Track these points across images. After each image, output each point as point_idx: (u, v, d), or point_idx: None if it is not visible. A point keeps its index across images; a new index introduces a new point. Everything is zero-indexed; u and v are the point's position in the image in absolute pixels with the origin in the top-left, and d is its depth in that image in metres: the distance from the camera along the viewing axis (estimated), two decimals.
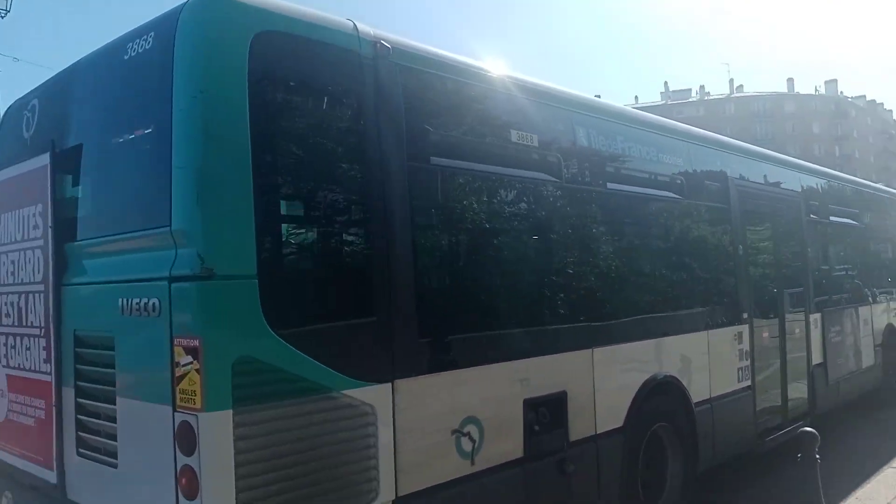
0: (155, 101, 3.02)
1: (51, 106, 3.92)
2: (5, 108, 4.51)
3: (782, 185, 7.59)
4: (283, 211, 3.14)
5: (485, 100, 4.17)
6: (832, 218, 8.66)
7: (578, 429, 4.33)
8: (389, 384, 3.27)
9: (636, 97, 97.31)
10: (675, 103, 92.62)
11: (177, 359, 2.74)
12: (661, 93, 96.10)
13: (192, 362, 2.68)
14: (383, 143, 3.36)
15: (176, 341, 2.76)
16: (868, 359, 9.01)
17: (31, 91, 4.16)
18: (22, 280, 3.81)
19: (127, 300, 3.00)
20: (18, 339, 3.84)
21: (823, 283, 8.13)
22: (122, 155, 3.41)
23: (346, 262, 3.35)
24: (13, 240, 3.88)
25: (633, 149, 5.32)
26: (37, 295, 3.65)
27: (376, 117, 3.37)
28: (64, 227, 3.54)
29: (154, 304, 2.86)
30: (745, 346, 6.22)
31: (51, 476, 3.49)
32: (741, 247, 6.41)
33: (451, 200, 3.88)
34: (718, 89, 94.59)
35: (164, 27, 3.04)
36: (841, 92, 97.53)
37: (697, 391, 5.46)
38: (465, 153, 3.91)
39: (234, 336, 2.80)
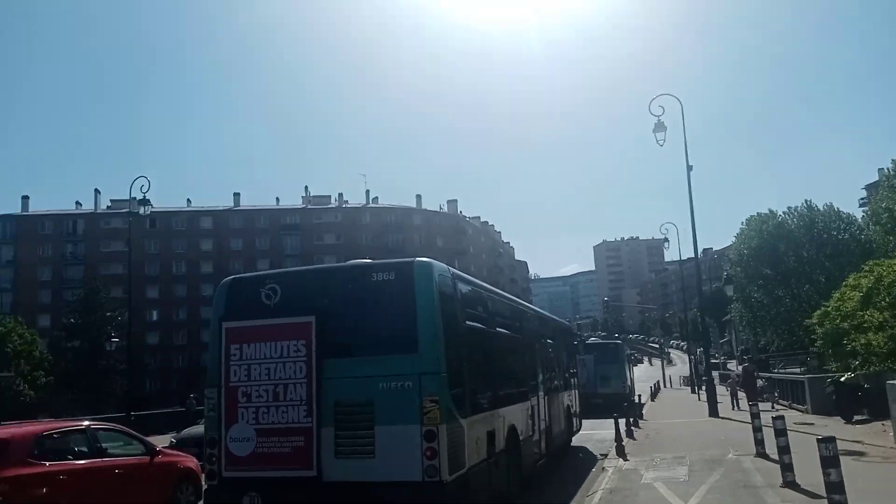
0: (400, 300, 7.32)
1: (295, 291, 7.79)
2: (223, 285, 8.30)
3: (535, 326, 13.52)
4: (454, 345, 7.58)
5: (487, 296, 9.97)
6: (547, 341, 14.45)
7: (497, 448, 8.88)
8: (468, 418, 7.64)
9: (277, 199, 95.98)
10: (315, 208, 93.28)
11: (425, 405, 6.91)
12: (303, 196, 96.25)
13: (434, 406, 6.91)
14: (441, 307, 7.46)
15: (424, 399, 6.94)
16: (562, 424, 14.58)
17: (265, 276, 8.29)
18: (280, 378, 7.36)
19: (387, 383, 7.06)
20: (274, 408, 7.32)
21: (546, 380, 13.22)
22: (370, 319, 7.53)
23: (457, 367, 7.55)
24: (270, 357, 7.43)
25: (528, 316, 13.15)
26: (299, 384, 7.28)
27: (452, 300, 7.92)
28: (322, 350, 7.32)
29: (409, 384, 6.98)
30: (531, 412, 11.37)
31: (310, 472, 7.06)
32: (537, 360, 12.86)
33: (474, 336, 8.63)
34: (356, 198, 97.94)
35: (403, 271, 7.48)
36: (460, 211, 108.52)
37: (521, 433, 10.36)
38: (484, 318, 9.32)
39: (444, 396, 7.06)
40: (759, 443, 12.26)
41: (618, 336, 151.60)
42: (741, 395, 30.49)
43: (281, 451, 7.24)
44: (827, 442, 6.45)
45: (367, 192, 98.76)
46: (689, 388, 45.27)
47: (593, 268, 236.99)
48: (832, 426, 16.32)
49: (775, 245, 53.95)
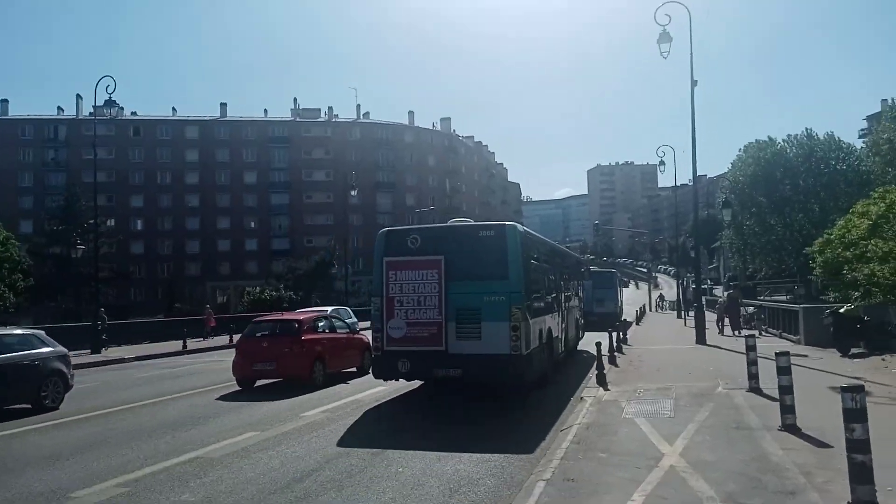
0: (496, 247, 11.59)
1: (429, 240, 11.93)
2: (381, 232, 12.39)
3: (560, 260, 18.25)
4: (526, 275, 11.88)
5: (539, 243, 15.28)
6: (567, 270, 18.86)
7: (542, 340, 13.08)
8: (531, 320, 12.06)
9: (265, 110, 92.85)
10: (304, 121, 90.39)
11: (512, 310, 11.20)
12: (291, 109, 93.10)
13: (518, 311, 11.23)
14: (521, 252, 11.75)
15: (512, 306, 11.21)
16: (573, 331, 18.95)
17: (410, 229, 13.13)
18: (421, 292, 11.52)
19: (489, 297, 11.26)
20: (418, 309, 11.47)
21: (566, 298, 17.65)
22: (478, 258, 11.53)
23: (527, 288, 11.82)
24: (414, 279, 11.56)
25: (558, 253, 18.59)
26: (433, 296, 11.44)
27: (526, 247, 12.24)
28: (447, 276, 11.46)
29: (502, 298, 11.20)
30: (557, 320, 15.57)
31: (440, 348, 11.34)
32: (561, 284, 17.05)
33: (534, 269, 12.98)
34: (346, 113, 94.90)
35: (499, 230, 11.83)
36: (454, 130, 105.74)
37: (553, 333, 14.49)
38: (537, 257, 13.77)
39: (522, 305, 11.38)
40: (754, 377, 11.16)
41: (606, 259, 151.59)
42: (727, 321, 29.73)
43: (422, 335, 11.53)
44: (854, 392, 5.17)
45: (358, 106, 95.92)
46: (675, 313, 44.61)
47: (586, 192, 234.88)
48: (828, 359, 15.29)
49: (772, 173, 52.18)
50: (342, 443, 8.94)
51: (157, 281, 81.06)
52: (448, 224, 13.26)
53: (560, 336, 15.84)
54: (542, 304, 13.67)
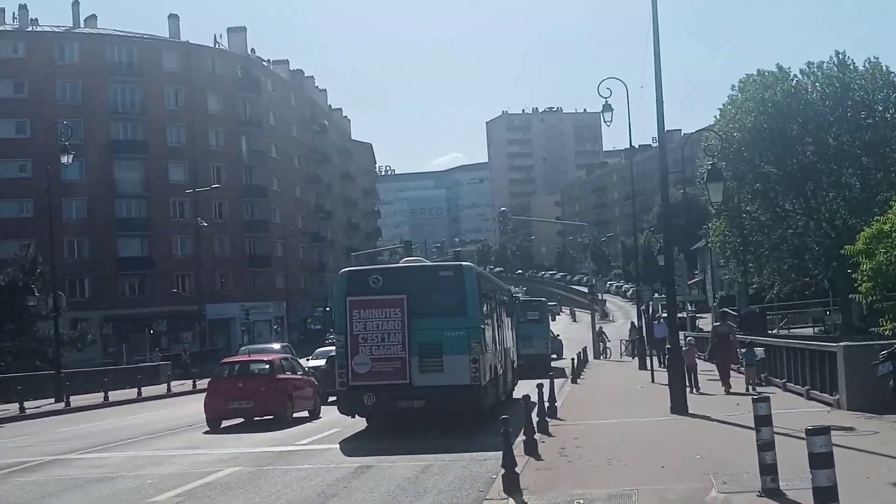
0: (455, 284, 23.39)
1: (391, 279, 23.39)
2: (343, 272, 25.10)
3: (503, 294, 34.66)
4: (480, 309, 24.08)
5: (486, 280, 30.80)
6: (502, 308, 32.35)
7: (494, 374, 25.94)
8: (486, 353, 24.30)
9: None
10: None
11: (472, 345, 22.44)
12: None
13: (477, 345, 22.62)
14: (477, 290, 24.21)
15: (472, 341, 22.43)
16: (512, 374, 32.15)
17: (370, 269, 27.27)
18: (384, 329, 22.22)
19: (449, 332, 22.40)
20: (382, 345, 22.05)
21: (505, 336, 31.61)
22: (438, 296, 23.13)
23: (482, 325, 24.32)
24: (378, 318, 22.23)
25: (498, 288, 34.88)
26: (397, 333, 22.13)
27: (478, 286, 24.57)
28: (410, 313, 22.30)
29: (462, 333, 22.53)
30: (501, 358, 28.65)
31: (405, 380, 21.93)
32: (501, 321, 31.01)
33: (484, 305, 25.71)
34: (53, 17, 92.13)
35: (456, 270, 24.68)
36: (252, 50, 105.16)
37: (498, 370, 27.51)
38: (487, 293, 27.57)
39: (480, 340, 23.05)
40: (769, 469, 11.25)
41: (523, 273, 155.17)
42: (706, 368, 30.88)
43: (386, 370, 21.01)
44: None
45: (76, 5, 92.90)
46: (636, 361, 45.84)
47: (485, 158, 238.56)
48: (888, 434, 15.88)
49: (785, 126, 53.53)
50: (348, 452, 19.06)
51: None
52: (409, 265, 25.49)
53: (502, 375, 27.12)
54: (492, 341, 24.74)
